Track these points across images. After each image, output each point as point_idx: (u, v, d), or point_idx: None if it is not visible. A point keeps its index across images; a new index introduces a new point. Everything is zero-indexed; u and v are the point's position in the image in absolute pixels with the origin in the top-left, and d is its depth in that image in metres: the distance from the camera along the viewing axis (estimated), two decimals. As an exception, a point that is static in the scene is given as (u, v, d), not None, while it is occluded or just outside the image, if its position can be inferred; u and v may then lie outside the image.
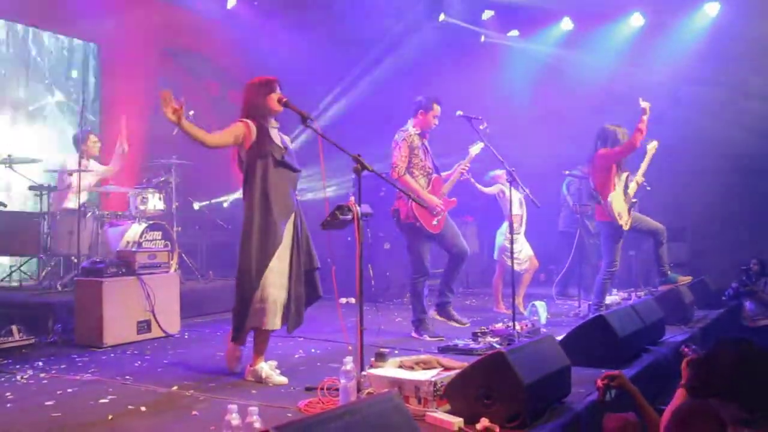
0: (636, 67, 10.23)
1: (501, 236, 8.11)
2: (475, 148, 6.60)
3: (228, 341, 4.78)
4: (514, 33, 11.41)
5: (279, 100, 4.44)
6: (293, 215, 4.63)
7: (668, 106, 9.78)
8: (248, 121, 4.54)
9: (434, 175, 6.44)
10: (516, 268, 8.01)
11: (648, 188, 8.80)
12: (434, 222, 6.34)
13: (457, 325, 6.53)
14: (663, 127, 9.99)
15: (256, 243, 4.45)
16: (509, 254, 7.67)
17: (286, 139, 4.75)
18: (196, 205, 9.36)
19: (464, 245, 6.58)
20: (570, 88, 10.54)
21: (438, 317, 6.60)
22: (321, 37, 10.79)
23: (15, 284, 7.79)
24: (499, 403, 3.33)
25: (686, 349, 3.59)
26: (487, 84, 10.87)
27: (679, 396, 3.04)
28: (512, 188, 6.22)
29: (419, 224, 6.25)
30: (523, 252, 7.94)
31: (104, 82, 10.10)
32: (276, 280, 4.49)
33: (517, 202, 7.94)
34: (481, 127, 6.12)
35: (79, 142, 7.74)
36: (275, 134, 4.63)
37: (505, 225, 8.06)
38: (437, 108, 6.37)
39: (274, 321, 4.51)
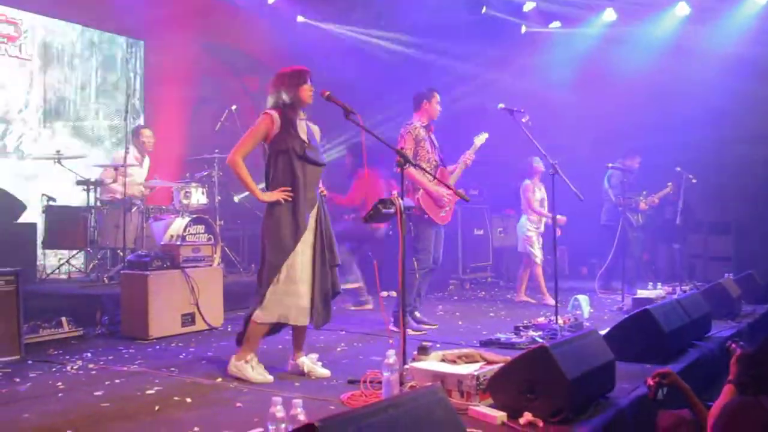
0: (681, 58, 10.03)
1: (522, 228, 8.24)
2: (480, 138, 6.54)
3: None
4: (556, 24, 11.28)
5: (321, 94, 4.38)
6: (316, 209, 4.53)
7: (713, 99, 9.58)
8: (273, 113, 4.45)
9: (440, 168, 6.36)
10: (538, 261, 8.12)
11: (694, 181, 8.67)
12: (442, 213, 6.32)
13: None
14: (708, 119, 9.84)
15: (279, 233, 4.38)
16: (533, 245, 7.82)
17: (315, 130, 4.67)
18: (236, 198, 9.44)
19: (440, 255, 6.54)
20: (612, 80, 10.38)
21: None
22: (362, 31, 10.80)
23: (64, 277, 7.98)
24: (543, 398, 3.31)
25: (734, 345, 3.52)
26: (529, 76, 10.76)
27: (728, 392, 2.99)
28: (541, 182, 6.22)
29: (427, 216, 6.20)
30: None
31: (148, 79, 10.26)
32: (301, 275, 4.42)
33: (538, 201, 8.04)
34: (523, 120, 6.06)
35: (132, 137, 7.91)
36: (302, 126, 4.54)
37: (524, 218, 8.27)
38: (437, 95, 6.38)
39: (301, 317, 4.45)
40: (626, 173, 8.42)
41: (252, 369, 4.43)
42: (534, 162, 8.14)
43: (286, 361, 4.73)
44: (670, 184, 8.88)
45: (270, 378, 4.40)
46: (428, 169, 6.08)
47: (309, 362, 4.57)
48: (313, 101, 4.56)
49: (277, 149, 4.45)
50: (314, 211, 4.53)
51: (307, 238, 4.48)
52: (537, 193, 8.22)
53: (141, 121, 9.89)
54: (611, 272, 8.73)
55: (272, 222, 4.42)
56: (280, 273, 4.39)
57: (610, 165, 8.42)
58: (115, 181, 7.59)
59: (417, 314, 6.43)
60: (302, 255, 4.45)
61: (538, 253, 8.18)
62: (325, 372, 4.53)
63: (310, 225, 4.50)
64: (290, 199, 4.36)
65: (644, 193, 8.91)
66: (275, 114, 4.45)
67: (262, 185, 4.56)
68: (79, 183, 7.73)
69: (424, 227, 6.27)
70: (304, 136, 4.50)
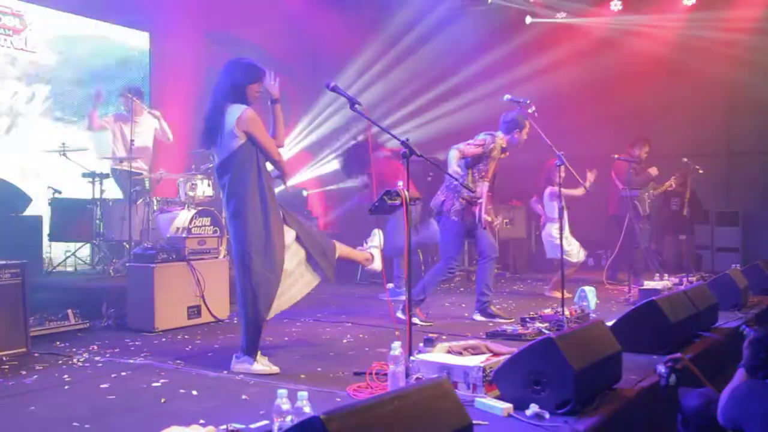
0: (687, 48, 9.97)
1: (549, 236, 8.03)
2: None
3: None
4: (562, 15, 11.22)
5: (326, 86, 4.33)
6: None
7: (720, 89, 9.54)
8: (243, 106, 4.45)
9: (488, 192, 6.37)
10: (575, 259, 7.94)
11: (701, 171, 8.62)
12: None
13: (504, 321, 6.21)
14: (716, 110, 9.81)
15: (256, 221, 4.38)
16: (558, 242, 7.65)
17: None
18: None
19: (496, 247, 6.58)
20: (618, 71, 10.34)
21: (481, 318, 6.40)
22: (365, 20, 10.76)
23: (70, 269, 8.00)
24: (549, 390, 3.29)
25: (747, 329, 3.50)
26: (534, 66, 10.71)
27: (740, 376, 2.97)
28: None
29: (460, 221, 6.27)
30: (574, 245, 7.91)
31: (153, 70, 10.25)
32: (286, 266, 4.47)
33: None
34: (529, 111, 6.03)
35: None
36: None
37: (549, 225, 8.03)
38: (527, 127, 6.36)
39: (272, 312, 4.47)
40: (633, 164, 8.37)
41: (255, 361, 4.42)
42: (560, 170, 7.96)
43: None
44: (673, 178, 8.83)
45: (275, 369, 4.40)
46: (481, 183, 6.21)
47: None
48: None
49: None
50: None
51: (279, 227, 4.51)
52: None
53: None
54: (619, 263, 8.69)
55: (242, 217, 4.44)
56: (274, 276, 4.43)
57: (616, 156, 8.36)
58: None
59: (493, 308, 6.43)
60: (280, 238, 4.47)
61: (573, 255, 7.98)
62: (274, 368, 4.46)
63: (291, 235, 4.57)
64: None
65: (651, 184, 8.87)
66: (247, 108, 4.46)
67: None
68: (84, 175, 7.73)
69: (450, 228, 6.34)
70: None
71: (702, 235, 10.47)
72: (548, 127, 6.00)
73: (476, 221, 6.29)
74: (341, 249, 4.83)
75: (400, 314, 6.07)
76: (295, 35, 10.45)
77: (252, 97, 4.50)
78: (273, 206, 4.45)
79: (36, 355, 5.01)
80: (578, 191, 7.49)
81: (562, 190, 7.64)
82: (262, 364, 4.41)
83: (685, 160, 8.63)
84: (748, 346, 3.00)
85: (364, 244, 4.97)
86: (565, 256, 7.77)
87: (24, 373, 4.50)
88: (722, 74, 9.96)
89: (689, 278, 7.63)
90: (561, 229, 6.50)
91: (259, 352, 4.47)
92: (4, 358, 4.85)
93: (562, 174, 6.68)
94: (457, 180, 5.71)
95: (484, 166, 6.28)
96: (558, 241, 7.55)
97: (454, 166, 6.00)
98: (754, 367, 2.72)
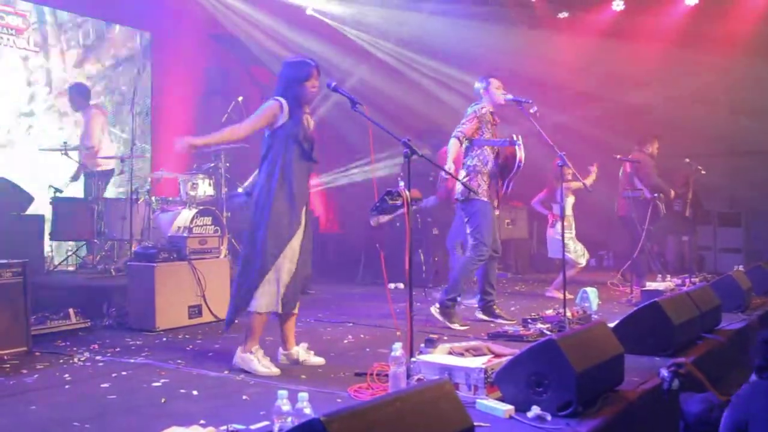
0: (690, 47, 9.93)
1: (554, 236, 8.03)
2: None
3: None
4: (564, 14, 11.18)
5: (328, 86, 4.38)
6: (306, 205, 4.59)
7: (723, 89, 9.52)
8: (282, 100, 4.46)
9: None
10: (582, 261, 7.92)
11: (703, 172, 8.61)
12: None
13: (506, 322, 6.13)
14: (719, 110, 9.78)
15: (273, 225, 4.38)
16: (569, 250, 7.61)
17: (311, 123, 4.68)
18: (241, 189, 9.40)
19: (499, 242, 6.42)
20: (620, 72, 10.32)
21: (483, 317, 6.35)
22: (363, 17, 10.72)
23: (71, 268, 7.99)
24: (551, 391, 3.28)
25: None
26: (536, 67, 10.69)
27: None
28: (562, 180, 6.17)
29: (483, 199, 6.07)
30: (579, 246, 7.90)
31: (155, 70, 10.24)
32: (289, 266, 4.45)
33: (570, 203, 7.86)
34: (531, 111, 6.00)
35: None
36: (308, 121, 4.60)
37: (557, 225, 7.94)
38: (495, 80, 6.26)
39: (274, 306, 4.46)
40: (635, 165, 8.33)
41: (258, 361, 4.40)
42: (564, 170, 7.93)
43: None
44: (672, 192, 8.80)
45: (276, 371, 4.38)
46: (490, 156, 6.10)
47: (303, 351, 4.59)
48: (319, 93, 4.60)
49: (283, 139, 4.45)
50: (304, 207, 4.57)
51: (298, 232, 4.51)
52: (570, 198, 8.02)
53: (148, 112, 9.89)
54: (638, 264, 8.56)
55: (273, 214, 4.39)
56: (276, 262, 4.40)
57: (618, 157, 8.31)
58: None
59: (496, 309, 6.34)
60: (291, 248, 4.46)
61: (577, 256, 7.96)
62: (319, 360, 4.56)
63: (302, 219, 4.54)
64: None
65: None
66: (285, 103, 4.45)
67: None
68: (86, 174, 7.73)
69: (479, 211, 6.11)
70: (307, 129, 4.54)
71: (705, 236, 10.45)
72: (550, 126, 5.98)
73: (505, 193, 6.24)
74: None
75: (435, 311, 6.02)
76: (299, 36, 10.43)
77: (310, 94, 4.52)
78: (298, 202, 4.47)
79: (37, 354, 5.01)
80: (579, 184, 7.43)
81: (568, 183, 7.60)
82: (264, 366, 4.39)
83: (688, 160, 8.62)
84: (760, 347, 2.98)
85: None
86: (571, 255, 7.80)
87: (25, 372, 4.50)
88: (725, 74, 9.93)
89: (692, 279, 7.60)
90: (563, 228, 6.45)
91: (261, 352, 4.46)
92: (5, 357, 4.85)
93: (566, 174, 6.68)
94: (448, 173, 5.56)
95: (489, 135, 6.18)
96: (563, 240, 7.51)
97: (451, 159, 5.92)
98: (761, 367, 2.71)
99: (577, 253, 7.86)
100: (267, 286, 4.40)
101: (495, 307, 6.36)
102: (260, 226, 4.41)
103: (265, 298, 4.41)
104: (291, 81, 4.50)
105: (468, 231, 6.20)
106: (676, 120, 10.07)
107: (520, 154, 6.03)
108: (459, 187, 6.11)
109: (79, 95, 8.28)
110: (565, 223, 7.86)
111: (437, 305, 6.07)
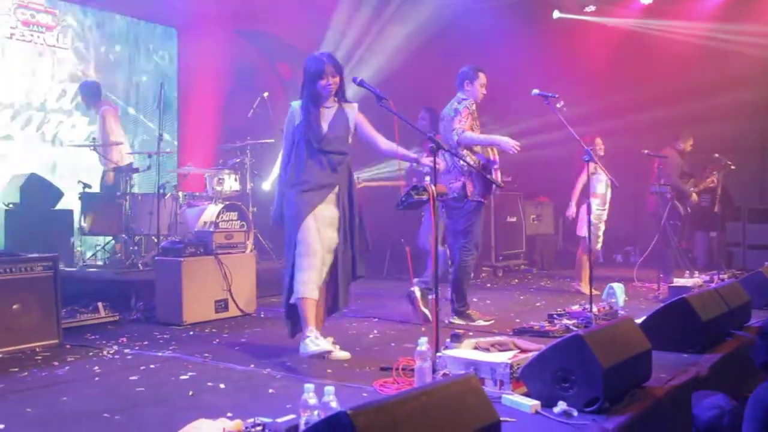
0: (720, 45, 9.80)
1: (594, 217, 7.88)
2: None
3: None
4: (591, 8, 11.09)
5: (353, 80, 4.42)
6: (335, 194, 4.63)
7: (754, 85, 9.37)
8: (294, 105, 4.69)
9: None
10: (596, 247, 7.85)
11: (732, 167, 8.49)
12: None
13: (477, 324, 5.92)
14: (749, 106, 9.63)
15: (291, 213, 4.57)
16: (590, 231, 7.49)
17: (351, 109, 4.72)
18: (266, 185, 9.45)
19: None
20: (651, 67, 10.20)
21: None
22: (387, 14, 10.71)
23: (100, 263, 8.10)
24: (577, 387, 3.26)
25: None
26: (563, 62, 10.62)
27: None
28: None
29: (477, 200, 5.94)
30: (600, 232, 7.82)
31: (181, 66, 10.32)
32: (314, 251, 4.49)
33: (603, 182, 7.72)
34: (558, 106, 5.95)
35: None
36: (327, 116, 4.64)
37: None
38: (483, 77, 6.05)
39: (313, 289, 4.49)
40: (664, 161, 8.23)
41: (310, 342, 4.38)
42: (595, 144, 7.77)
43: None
44: (714, 174, 8.65)
45: (326, 345, 4.40)
46: (481, 154, 5.95)
47: (329, 345, 4.60)
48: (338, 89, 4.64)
49: (295, 139, 4.64)
50: (332, 197, 4.62)
51: (325, 218, 4.56)
52: (601, 175, 7.65)
53: (175, 108, 9.97)
54: (668, 260, 8.46)
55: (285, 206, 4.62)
56: (296, 248, 4.50)
57: (645, 152, 8.22)
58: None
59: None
60: (317, 232, 4.51)
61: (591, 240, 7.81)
62: (345, 354, 4.55)
63: (327, 210, 4.59)
64: None
65: (692, 181, 8.71)
66: (295, 105, 4.67)
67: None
68: (115, 170, 7.82)
69: (477, 212, 6.02)
70: (323, 127, 4.61)
71: (734, 232, 10.31)
72: (578, 121, 5.93)
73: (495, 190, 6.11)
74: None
75: (455, 320, 5.95)
76: (323, 31, 10.43)
77: (323, 91, 4.58)
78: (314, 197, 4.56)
79: (68, 346, 5.09)
80: (589, 205, 7.09)
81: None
82: (315, 344, 4.37)
83: (717, 155, 8.50)
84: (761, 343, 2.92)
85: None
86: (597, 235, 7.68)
87: (56, 364, 4.57)
88: (757, 68, 9.78)
89: (720, 276, 7.51)
90: (589, 213, 6.29)
91: (314, 333, 4.43)
92: (37, 349, 4.94)
93: (591, 170, 6.58)
94: (468, 163, 5.53)
95: (478, 131, 6.03)
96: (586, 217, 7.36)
97: (475, 137, 5.88)
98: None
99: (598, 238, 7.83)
100: (298, 274, 4.48)
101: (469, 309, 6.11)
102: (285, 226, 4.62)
103: (298, 286, 4.48)
104: (305, 79, 4.61)
105: (459, 230, 6.01)
106: (708, 114, 9.93)
107: (494, 154, 5.98)
108: (457, 184, 5.90)
109: (89, 93, 8.32)
110: (596, 201, 7.72)
111: (453, 315, 6.01)
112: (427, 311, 5.83)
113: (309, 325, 4.45)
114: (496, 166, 6.02)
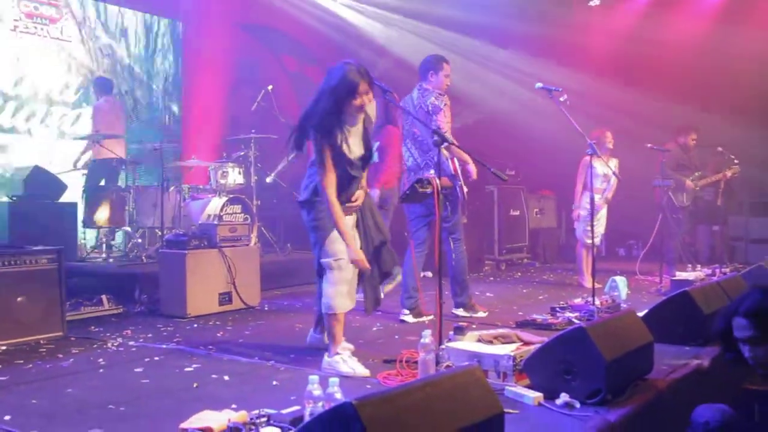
0: (726, 36, 9.75)
1: (584, 210, 7.89)
2: None
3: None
4: (596, 2, 11.06)
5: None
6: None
7: (756, 78, 9.34)
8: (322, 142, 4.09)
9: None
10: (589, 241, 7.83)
11: (736, 161, 8.48)
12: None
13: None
14: (753, 99, 9.60)
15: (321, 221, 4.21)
16: (587, 226, 7.49)
17: (369, 108, 4.26)
18: (269, 178, 9.43)
19: None
20: (655, 59, 10.16)
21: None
22: (398, 8, 10.69)
23: (104, 255, 8.12)
24: (580, 379, 3.28)
25: None
26: (566, 54, 10.59)
27: None
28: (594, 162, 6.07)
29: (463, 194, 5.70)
30: (598, 225, 7.77)
31: (185, 59, 10.32)
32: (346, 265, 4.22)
33: (600, 177, 7.70)
34: (561, 99, 5.94)
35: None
36: (354, 139, 4.21)
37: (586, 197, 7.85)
38: (447, 67, 5.80)
39: (345, 302, 4.24)
40: (667, 154, 8.23)
41: (344, 362, 4.12)
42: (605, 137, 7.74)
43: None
44: (728, 168, 8.61)
45: (364, 371, 4.04)
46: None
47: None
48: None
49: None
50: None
51: (348, 226, 4.23)
52: (598, 169, 7.72)
53: (176, 105, 9.98)
54: (670, 253, 8.45)
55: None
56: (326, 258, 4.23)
57: (649, 146, 8.21)
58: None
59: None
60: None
61: (583, 234, 7.84)
62: (349, 346, 4.41)
63: (353, 218, 4.32)
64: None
65: (697, 174, 8.68)
66: (324, 143, 4.10)
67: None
68: (117, 162, 7.84)
69: (459, 206, 5.87)
70: (354, 153, 4.20)
71: (736, 226, 10.31)
72: (582, 115, 5.92)
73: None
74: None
75: (460, 312, 5.93)
76: (328, 25, 10.43)
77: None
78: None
79: (72, 339, 5.12)
80: (592, 199, 7.03)
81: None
82: (349, 366, 4.09)
83: (720, 149, 8.49)
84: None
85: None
86: (587, 229, 7.67)
87: (61, 356, 4.60)
88: (760, 62, 9.75)
89: (722, 269, 7.51)
90: (592, 211, 6.31)
91: (347, 352, 4.20)
92: (42, 342, 4.97)
93: (587, 164, 6.57)
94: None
95: (446, 122, 5.70)
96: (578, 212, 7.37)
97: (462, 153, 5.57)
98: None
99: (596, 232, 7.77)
100: (328, 288, 4.22)
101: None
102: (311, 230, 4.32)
103: (329, 300, 4.22)
104: (332, 96, 4.09)
105: (449, 225, 5.77)
106: (712, 108, 9.91)
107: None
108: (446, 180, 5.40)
109: (98, 88, 8.49)
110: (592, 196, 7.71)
111: (459, 308, 5.98)
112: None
113: (339, 342, 4.20)
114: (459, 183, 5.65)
